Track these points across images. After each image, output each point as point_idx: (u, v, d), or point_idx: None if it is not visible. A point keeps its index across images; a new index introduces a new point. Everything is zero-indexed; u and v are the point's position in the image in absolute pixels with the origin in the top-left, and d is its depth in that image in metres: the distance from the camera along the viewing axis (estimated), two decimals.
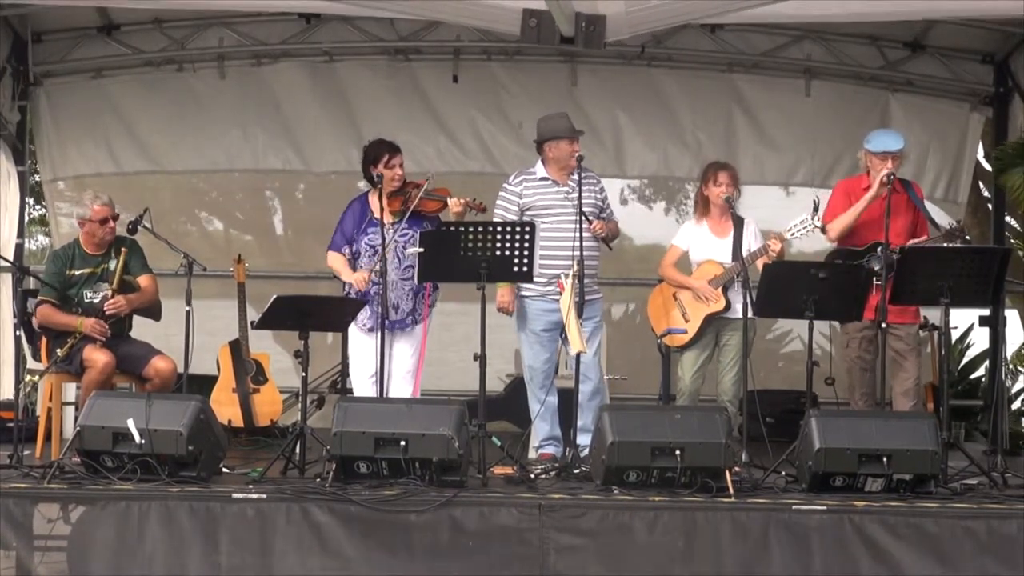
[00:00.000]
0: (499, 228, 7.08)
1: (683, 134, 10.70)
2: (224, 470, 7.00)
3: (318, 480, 6.59)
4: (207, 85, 10.48)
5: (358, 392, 7.76)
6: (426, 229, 7.48)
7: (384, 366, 7.37)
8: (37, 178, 11.36)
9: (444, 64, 10.48)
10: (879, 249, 7.56)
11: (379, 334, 7.38)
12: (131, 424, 6.57)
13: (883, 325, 7.23)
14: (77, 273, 7.82)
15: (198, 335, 7.64)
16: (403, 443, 6.50)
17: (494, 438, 7.14)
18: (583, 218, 7.52)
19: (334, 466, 6.54)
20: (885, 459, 6.52)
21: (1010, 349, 11.56)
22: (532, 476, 6.97)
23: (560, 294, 7.41)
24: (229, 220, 11.28)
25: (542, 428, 7.96)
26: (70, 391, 8.37)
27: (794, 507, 6.37)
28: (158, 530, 6.30)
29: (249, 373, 9.08)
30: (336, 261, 7.83)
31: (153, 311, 8.04)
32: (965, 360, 11.46)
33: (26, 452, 7.19)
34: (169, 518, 6.30)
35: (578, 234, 7.40)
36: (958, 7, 8.37)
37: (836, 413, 7.60)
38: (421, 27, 10.12)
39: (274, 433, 8.96)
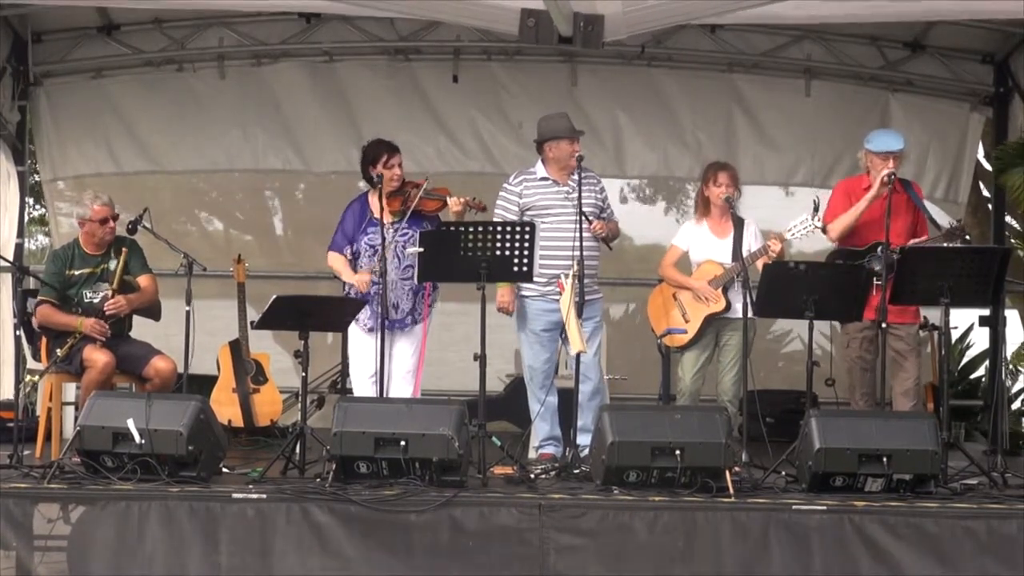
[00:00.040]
0: (499, 228, 7.08)
1: (683, 134, 10.70)
2: (224, 470, 7.00)
3: (318, 480, 6.59)
4: (207, 85, 10.48)
5: (358, 392, 7.76)
6: (426, 229, 7.48)
7: (384, 366, 7.37)
8: (37, 178, 11.36)
9: (444, 64, 10.48)
10: (879, 249, 7.57)
11: (379, 334, 7.38)
12: (131, 424, 6.57)
13: (883, 325, 7.23)
14: (77, 273, 7.82)
15: (198, 335, 7.64)
16: (403, 443, 6.50)
17: (494, 438, 7.14)
18: (583, 218, 7.52)
19: (334, 466, 6.53)
20: (885, 459, 6.51)
21: (1010, 349, 11.57)
22: (532, 476, 6.97)
23: (560, 294, 7.41)
24: (229, 220, 11.28)
25: (542, 428, 7.96)
26: (70, 391, 8.36)
27: (794, 507, 6.37)
28: (158, 530, 6.30)
29: (249, 373, 9.07)
30: (337, 261, 7.83)
31: (153, 311, 8.04)
32: (965, 360, 11.46)
33: (26, 452, 7.19)
34: (169, 518, 6.30)
35: (578, 234, 7.40)
36: (958, 7, 8.37)
37: (836, 413, 7.59)
38: (421, 27, 10.12)
39: (274, 433, 8.96)
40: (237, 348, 9.09)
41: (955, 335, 11.00)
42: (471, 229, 7.04)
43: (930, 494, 6.57)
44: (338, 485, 6.46)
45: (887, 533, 6.28)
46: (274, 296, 7.16)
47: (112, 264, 7.81)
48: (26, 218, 10.75)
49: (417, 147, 10.25)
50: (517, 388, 9.17)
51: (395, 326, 7.69)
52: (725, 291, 7.89)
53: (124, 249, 7.82)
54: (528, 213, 7.83)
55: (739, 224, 8.00)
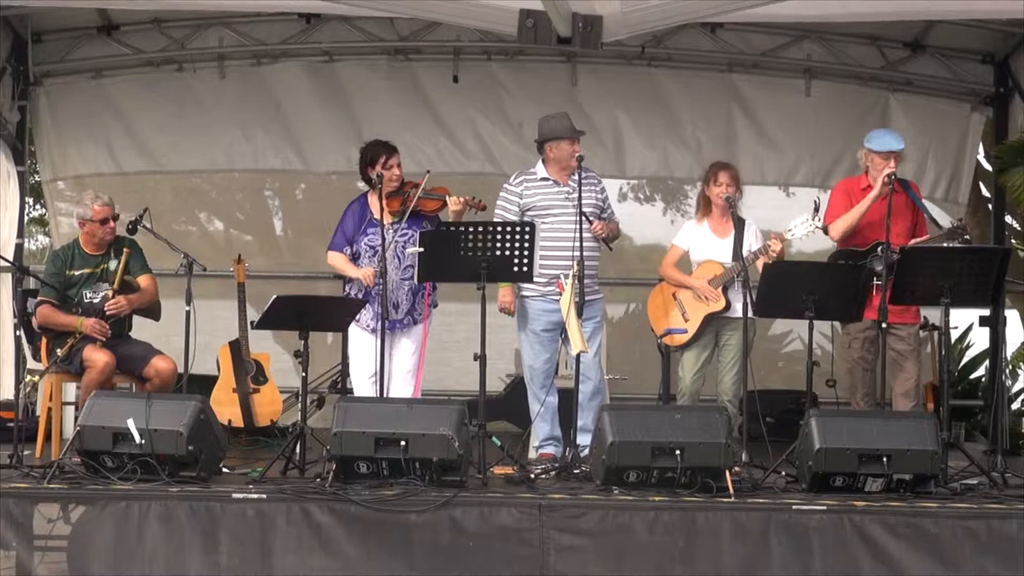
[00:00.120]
0: (499, 228, 7.08)
1: (683, 134, 10.70)
2: (224, 470, 7.00)
3: (318, 480, 6.59)
4: (207, 85, 10.48)
5: (358, 392, 7.76)
6: (426, 229, 7.48)
7: (384, 366, 7.37)
8: (37, 178, 11.36)
9: (444, 64, 10.48)
10: (879, 249, 7.57)
11: (379, 334, 7.38)
12: (131, 424, 6.57)
13: (883, 325, 7.22)
14: (77, 273, 7.82)
15: (198, 335, 7.64)
16: (403, 443, 6.50)
17: (494, 438, 7.14)
18: (583, 218, 7.52)
19: (334, 466, 6.53)
20: (885, 459, 6.51)
21: (1010, 349, 11.55)
22: (532, 476, 6.97)
23: (560, 294, 7.41)
24: (229, 220, 11.28)
25: (542, 428, 7.96)
26: (70, 391, 8.37)
27: (794, 507, 6.37)
28: (158, 530, 6.30)
29: (249, 373, 9.07)
30: (337, 259, 7.83)
31: (153, 311, 8.04)
32: (965, 360, 11.46)
33: (26, 452, 7.19)
34: (169, 518, 6.30)
35: (578, 234, 7.40)
36: (958, 7, 8.37)
37: (836, 413, 7.59)
38: (421, 27, 10.12)
39: (274, 433, 8.96)
40: (237, 348, 9.09)
41: (955, 335, 11.00)
42: (471, 229, 7.05)
43: (930, 494, 6.57)
44: (338, 485, 6.46)
45: (887, 533, 6.28)
46: (274, 296, 7.16)
47: (112, 264, 7.82)
48: (26, 218, 10.76)
49: (417, 147, 10.26)
50: (517, 388, 9.18)
51: (395, 326, 7.69)
52: (725, 291, 7.89)
53: (125, 249, 7.82)
54: (528, 213, 7.83)
55: (740, 224, 8.00)
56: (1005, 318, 9.53)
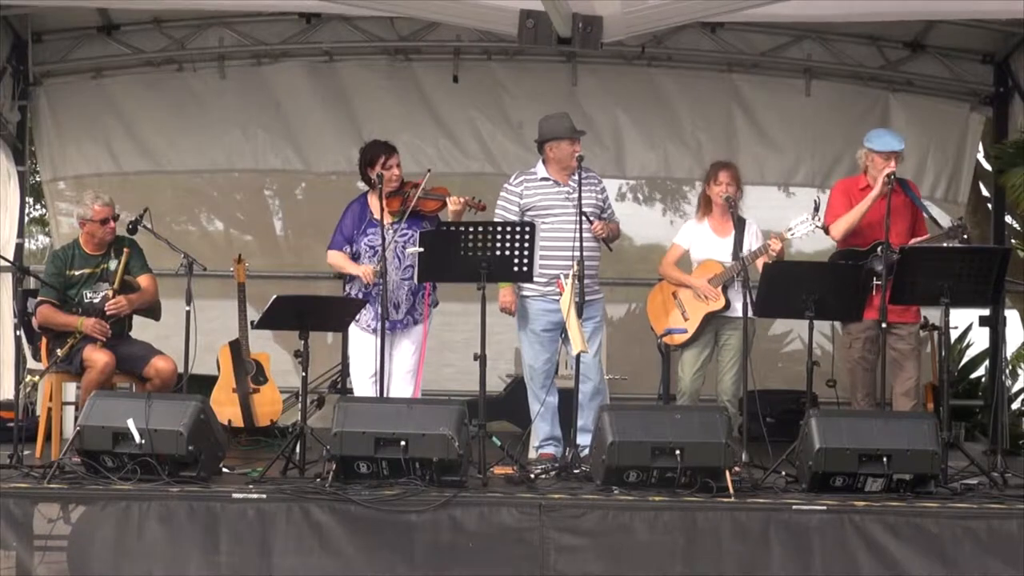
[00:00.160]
0: (499, 228, 7.09)
1: (683, 134, 10.69)
2: (224, 470, 7.01)
3: (318, 480, 6.59)
4: (207, 85, 10.47)
5: (358, 392, 7.77)
6: (426, 229, 7.48)
7: (384, 366, 7.37)
8: (37, 178, 11.36)
9: (444, 64, 10.47)
10: (879, 249, 7.57)
11: (379, 334, 7.38)
12: (131, 424, 6.57)
13: (883, 325, 7.22)
14: (77, 273, 7.82)
15: (198, 335, 7.63)
16: (403, 443, 6.50)
17: (494, 438, 7.15)
18: (584, 218, 7.52)
19: (334, 466, 6.53)
20: (885, 459, 6.52)
21: (1010, 349, 11.55)
22: (532, 476, 6.97)
23: (560, 294, 7.41)
24: (229, 220, 11.28)
25: (542, 428, 7.96)
26: (70, 391, 8.37)
27: (794, 507, 6.37)
28: (158, 530, 6.30)
29: (249, 373, 9.07)
30: (337, 258, 7.83)
31: (153, 311, 8.04)
32: (965, 360, 11.45)
33: (26, 452, 7.20)
34: (169, 518, 6.31)
35: (578, 234, 7.40)
36: (958, 7, 8.38)
37: (836, 413, 7.60)
38: (421, 27, 10.12)
39: (274, 433, 8.96)
40: (237, 348, 9.09)
41: (955, 335, 10.99)
42: (471, 229, 7.05)
43: (930, 494, 6.57)
44: (338, 485, 6.46)
45: (887, 533, 6.28)
46: (274, 296, 7.16)
47: (112, 264, 7.82)
48: (26, 218, 10.75)
49: (417, 147, 10.26)
50: (517, 388, 9.17)
51: (396, 326, 7.69)
52: (725, 290, 7.89)
53: (125, 249, 7.82)
54: (529, 213, 7.83)
55: (740, 224, 8.00)
56: (1005, 318, 9.52)
